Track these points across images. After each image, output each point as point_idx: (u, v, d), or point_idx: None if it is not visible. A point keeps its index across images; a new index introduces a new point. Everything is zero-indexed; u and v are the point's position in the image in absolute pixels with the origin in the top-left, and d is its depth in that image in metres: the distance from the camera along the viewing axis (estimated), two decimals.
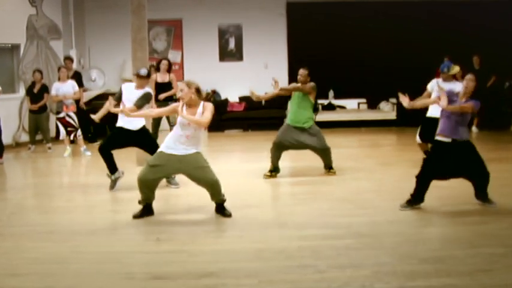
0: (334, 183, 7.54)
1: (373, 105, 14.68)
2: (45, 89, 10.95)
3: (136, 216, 5.82)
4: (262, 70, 13.83)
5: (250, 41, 14.48)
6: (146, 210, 5.88)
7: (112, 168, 7.21)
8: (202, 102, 5.74)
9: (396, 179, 7.64)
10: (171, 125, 10.92)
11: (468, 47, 12.58)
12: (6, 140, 11.16)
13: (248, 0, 14.28)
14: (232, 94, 14.30)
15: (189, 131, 5.67)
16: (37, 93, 10.84)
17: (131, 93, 7.13)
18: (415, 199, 5.97)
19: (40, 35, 12.41)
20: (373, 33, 13.53)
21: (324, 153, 7.98)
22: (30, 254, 4.85)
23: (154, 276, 4.29)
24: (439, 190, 6.47)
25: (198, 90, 5.72)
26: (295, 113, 8.02)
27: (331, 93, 14.64)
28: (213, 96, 14.36)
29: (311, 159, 9.34)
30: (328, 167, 8.04)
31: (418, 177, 5.97)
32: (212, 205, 6.39)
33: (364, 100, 14.80)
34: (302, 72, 8.02)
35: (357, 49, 13.56)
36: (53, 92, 10.38)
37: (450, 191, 6.80)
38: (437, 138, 5.97)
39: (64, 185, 7.79)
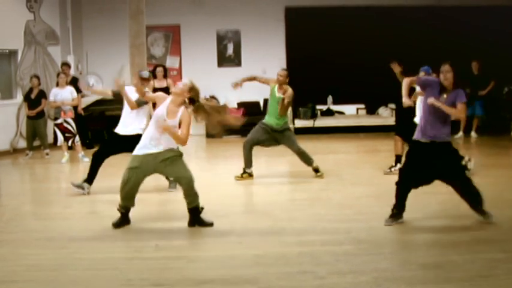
0: (333, 188, 7.52)
1: (371, 110, 14.68)
2: (42, 94, 10.93)
3: (116, 225, 5.70)
4: (261, 75, 13.87)
5: (249, 46, 14.49)
6: (124, 219, 5.76)
7: (91, 178, 7.31)
8: (182, 107, 5.56)
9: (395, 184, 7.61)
10: None
11: (467, 52, 12.59)
12: (4, 146, 11.16)
13: (246, 5, 14.30)
14: (230, 100, 14.28)
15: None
16: (34, 99, 10.82)
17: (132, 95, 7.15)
18: (399, 209, 5.65)
19: (38, 41, 12.40)
20: (371, 39, 13.54)
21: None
22: (28, 261, 4.82)
23: (153, 283, 4.26)
24: (439, 196, 6.45)
25: (192, 100, 5.56)
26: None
27: (329, 99, 14.66)
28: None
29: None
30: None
31: (398, 183, 5.69)
32: (210, 211, 6.37)
33: (362, 105, 14.80)
34: (283, 72, 8.04)
35: (355, 54, 13.57)
36: (51, 97, 10.37)
37: (449, 197, 6.77)
38: (416, 138, 5.62)
39: (62, 191, 7.75)
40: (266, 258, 4.73)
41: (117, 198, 6.73)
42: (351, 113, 14.87)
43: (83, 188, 7.33)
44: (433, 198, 6.12)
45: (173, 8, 14.28)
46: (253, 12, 14.28)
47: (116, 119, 8.48)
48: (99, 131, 11.64)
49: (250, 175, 8.04)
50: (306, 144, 12.25)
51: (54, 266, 4.68)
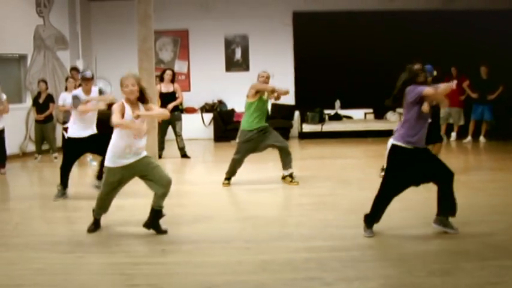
0: (340, 194, 7.50)
1: (379, 115, 14.65)
2: (50, 98, 10.99)
3: (92, 230, 5.73)
4: (269, 80, 13.87)
5: (257, 51, 14.51)
6: (98, 224, 5.82)
7: (65, 183, 7.53)
8: (140, 105, 5.51)
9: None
10: (178, 134, 10.94)
11: (476, 56, 12.55)
12: (13, 149, 11.21)
13: (254, 10, 14.33)
14: (238, 104, 14.27)
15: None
16: (42, 103, 10.89)
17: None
18: (374, 218, 5.47)
19: (47, 45, 12.47)
20: (379, 43, 13.53)
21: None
22: (35, 265, 4.82)
23: None
24: None
25: (142, 91, 5.49)
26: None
27: (337, 103, 14.65)
28: (219, 106, 14.38)
29: (317, 170, 9.31)
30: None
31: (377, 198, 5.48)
32: (217, 216, 6.37)
33: (370, 110, 14.77)
34: (265, 73, 8.02)
35: (363, 59, 13.56)
36: (60, 102, 10.40)
37: (457, 203, 6.74)
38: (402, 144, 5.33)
39: (69, 195, 7.75)
40: (273, 264, 4.72)
41: (123, 203, 6.76)
42: (358, 117, 14.84)
43: (63, 194, 7.50)
44: None
45: (181, 13, 14.34)
46: (261, 17, 14.31)
47: None
48: (107, 135, 11.66)
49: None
50: (314, 149, 12.31)
51: (61, 270, 4.69)
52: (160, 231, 5.65)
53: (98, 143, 7.24)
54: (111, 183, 5.58)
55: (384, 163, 8.44)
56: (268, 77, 7.99)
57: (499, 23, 13.40)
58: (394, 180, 5.42)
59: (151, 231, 5.68)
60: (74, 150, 7.53)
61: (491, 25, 13.24)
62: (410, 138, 5.30)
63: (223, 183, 8.08)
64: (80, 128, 7.38)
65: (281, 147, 7.97)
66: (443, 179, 5.38)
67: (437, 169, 5.39)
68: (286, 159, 8.00)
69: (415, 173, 5.37)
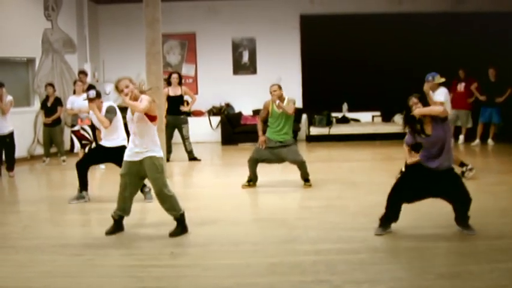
0: (348, 196, 7.49)
1: (387, 118, 14.62)
2: (58, 102, 11.04)
3: (109, 233, 5.73)
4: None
5: (264, 54, 14.52)
6: (118, 226, 5.80)
7: (83, 185, 7.42)
8: (141, 96, 5.58)
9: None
10: (185, 138, 10.95)
11: (484, 59, 12.51)
12: (21, 152, 11.25)
13: (261, 13, 14.34)
14: (245, 107, 14.32)
15: (134, 125, 5.57)
16: (51, 107, 10.94)
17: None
18: (388, 220, 5.56)
19: (55, 49, 12.53)
20: (387, 46, 13.51)
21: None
22: (44, 267, 4.84)
23: None
24: None
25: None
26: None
27: (345, 106, 14.64)
28: (226, 110, 14.39)
29: (324, 173, 9.30)
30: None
31: (389, 198, 5.58)
32: (225, 219, 6.38)
33: (378, 113, 14.75)
34: (275, 87, 8.08)
35: (370, 61, 13.54)
36: (68, 105, 10.46)
37: None
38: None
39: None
40: (281, 266, 4.71)
41: (133, 206, 6.74)
42: (366, 120, 14.81)
43: (83, 197, 7.40)
44: (448, 207, 6.03)
45: (189, 16, 14.37)
46: (268, 20, 14.32)
47: None
48: None
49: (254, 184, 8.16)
50: (321, 152, 12.30)
51: (70, 272, 4.70)
52: (172, 233, 5.66)
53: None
54: (122, 176, 5.68)
55: (402, 166, 8.43)
56: (276, 89, 8.00)
57: (507, 25, 13.35)
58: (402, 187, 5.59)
59: (161, 233, 5.69)
60: (100, 156, 7.55)
61: (500, 27, 13.20)
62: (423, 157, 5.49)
63: (244, 185, 8.13)
64: (111, 138, 7.31)
65: (296, 163, 8.02)
66: (459, 203, 5.49)
67: (455, 193, 5.46)
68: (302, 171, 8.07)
69: (421, 188, 5.51)
